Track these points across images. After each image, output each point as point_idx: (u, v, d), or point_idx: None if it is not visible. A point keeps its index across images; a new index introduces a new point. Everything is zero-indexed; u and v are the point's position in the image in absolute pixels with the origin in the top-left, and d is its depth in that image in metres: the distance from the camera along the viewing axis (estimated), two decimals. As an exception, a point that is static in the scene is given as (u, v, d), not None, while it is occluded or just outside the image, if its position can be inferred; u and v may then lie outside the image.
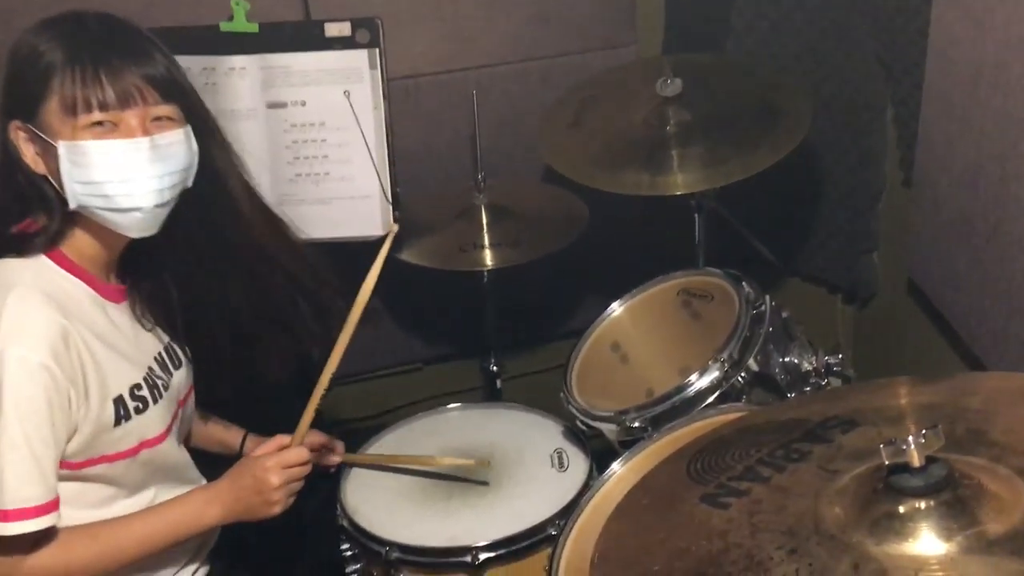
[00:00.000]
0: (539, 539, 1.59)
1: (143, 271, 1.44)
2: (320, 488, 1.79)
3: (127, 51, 1.29)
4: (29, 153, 1.29)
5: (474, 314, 2.18)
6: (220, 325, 1.50)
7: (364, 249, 1.93)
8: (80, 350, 1.28)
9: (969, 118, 1.74)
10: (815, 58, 2.22)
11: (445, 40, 2.15)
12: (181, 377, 1.50)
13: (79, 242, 1.34)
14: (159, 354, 1.47)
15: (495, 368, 2.18)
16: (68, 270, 1.33)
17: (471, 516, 1.65)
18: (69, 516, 1.32)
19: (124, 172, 1.28)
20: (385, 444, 1.86)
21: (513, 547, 1.58)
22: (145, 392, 1.39)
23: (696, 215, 2.02)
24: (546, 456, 1.76)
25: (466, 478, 1.73)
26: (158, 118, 1.31)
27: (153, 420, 1.40)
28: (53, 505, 1.26)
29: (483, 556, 1.56)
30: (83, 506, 1.35)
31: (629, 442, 1.60)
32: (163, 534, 1.39)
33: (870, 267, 2.37)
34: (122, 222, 1.31)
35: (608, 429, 1.66)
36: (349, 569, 1.68)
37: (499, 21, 2.16)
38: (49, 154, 1.28)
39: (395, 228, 1.73)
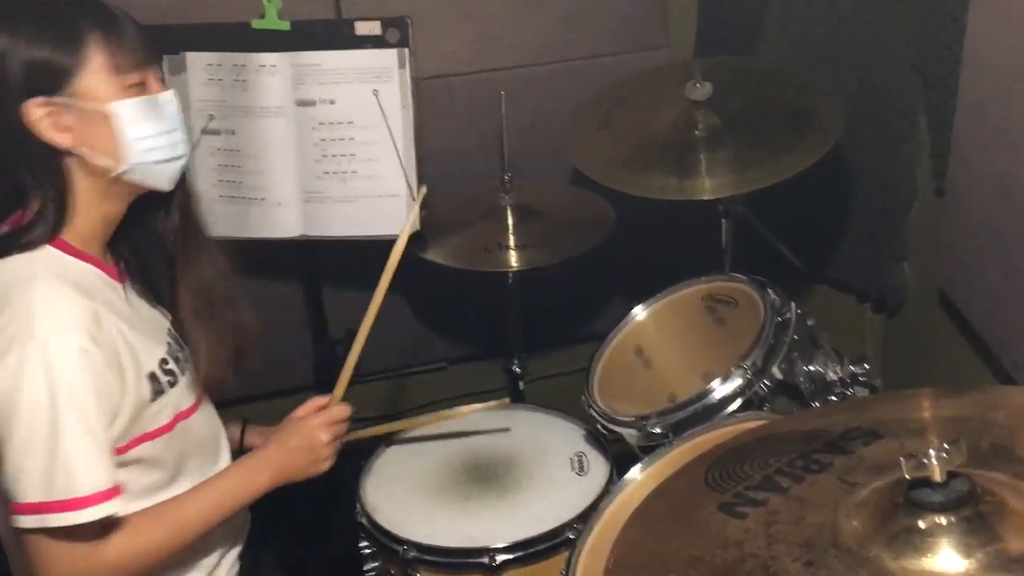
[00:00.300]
0: (557, 542, 1.59)
1: (126, 250, 1.44)
2: (341, 484, 1.80)
3: (127, 16, 1.33)
4: (50, 126, 1.28)
5: (498, 315, 2.18)
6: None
7: (389, 247, 1.94)
8: (111, 331, 1.29)
9: (1004, 127, 1.71)
10: (848, 63, 2.20)
11: (475, 40, 2.15)
12: None
13: (79, 225, 1.33)
14: (169, 329, 1.46)
15: (518, 369, 2.17)
16: (74, 255, 1.33)
17: (489, 517, 1.65)
18: None
19: (172, 123, 1.35)
20: (406, 442, 1.86)
21: (531, 550, 1.58)
22: (172, 365, 1.40)
23: (723, 220, 2.01)
24: (566, 459, 1.76)
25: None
26: (159, 78, 1.37)
27: (184, 392, 1.41)
28: (119, 488, 1.27)
29: (500, 558, 1.57)
30: (128, 498, 1.34)
31: (650, 447, 1.60)
32: (222, 504, 1.41)
33: (900, 276, 2.34)
34: (166, 173, 1.36)
35: (629, 434, 1.65)
36: (367, 567, 1.69)
37: (530, 22, 2.16)
38: (92, 120, 1.29)
39: (424, 190, 1.78)
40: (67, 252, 1.32)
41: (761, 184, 1.80)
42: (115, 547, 1.28)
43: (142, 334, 1.36)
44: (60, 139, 1.28)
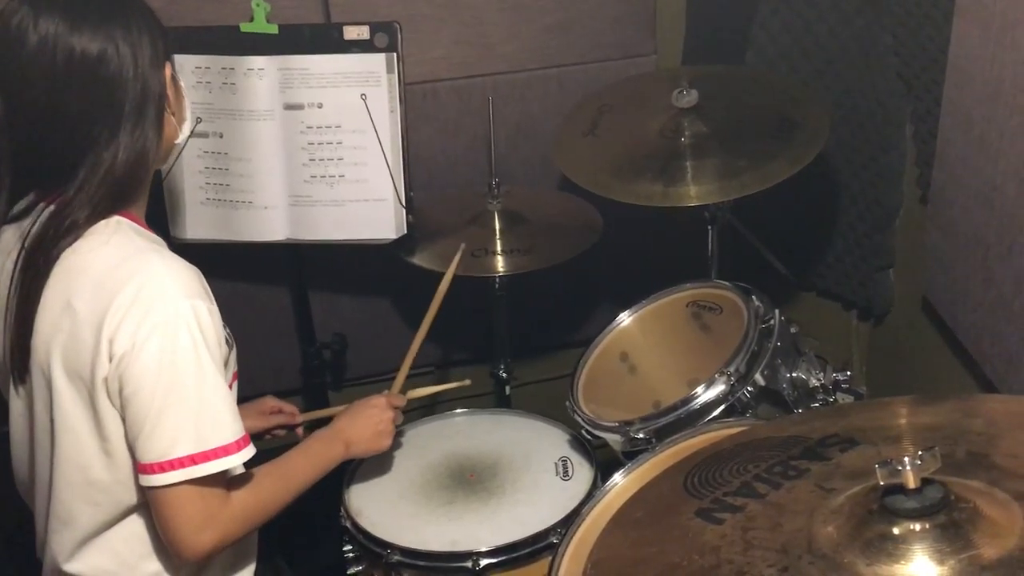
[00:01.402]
0: (540, 547, 1.59)
1: None
2: (325, 488, 1.80)
3: None
4: (169, 87, 1.36)
5: (485, 320, 2.18)
6: None
7: (376, 252, 1.95)
8: (210, 292, 1.34)
9: (986, 137, 1.72)
10: (835, 72, 2.21)
11: (464, 45, 2.16)
12: None
13: (141, 201, 1.38)
14: None
15: (504, 374, 2.18)
16: (145, 228, 1.37)
17: (473, 521, 1.65)
18: None
19: None
20: (393, 446, 1.86)
21: (514, 554, 1.59)
22: (228, 331, 1.44)
23: (710, 227, 2.02)
24: (551, 464, 1.76)
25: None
26: None
27: (234, 356, 1.46)
28: (248, 436, 1.33)
29: (484, 562, 1.57)
30: None
31: (634, 453, 1.60)
32: (314, 468, 1.49)
33: (886, 284, 2.35)
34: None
35: (613, 439, 1.66)
36: (351, 570, 1.69)
37: (519, 28, 2.17)
38: (178, 91, 1.39)
39: (463, 247, 1.86)
40: (139, 224, 1.36)
41: (747, 191, 1.81)
42: (240, 497, 1.34)
43: None
44: (174, 101, 1.37)
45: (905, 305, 2.30)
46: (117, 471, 1.33)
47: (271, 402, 1.77)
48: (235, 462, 1.29)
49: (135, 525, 1.38)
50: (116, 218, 1.32)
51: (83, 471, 1.33)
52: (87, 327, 1.27)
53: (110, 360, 1.26)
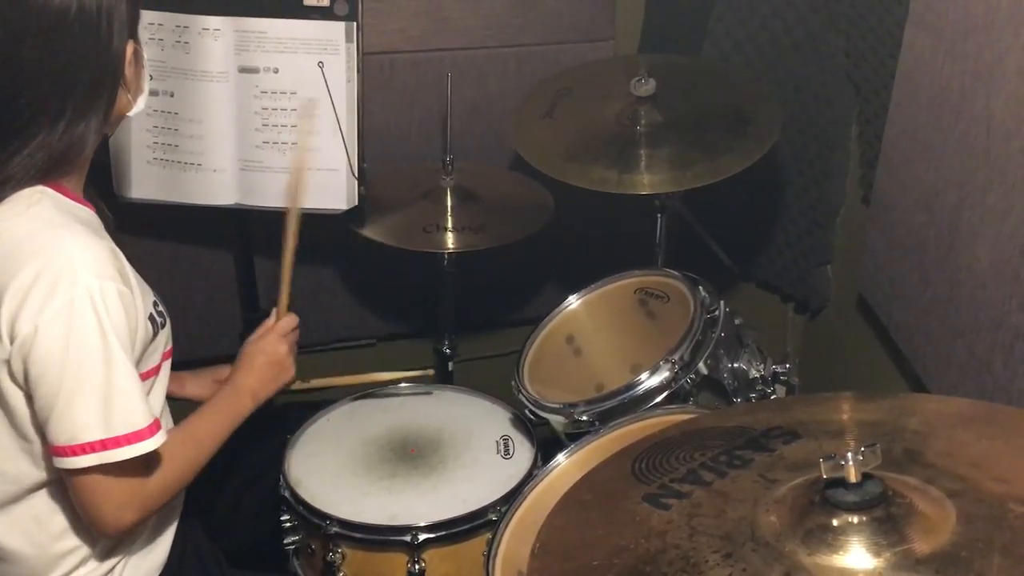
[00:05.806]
0: (479, 524, 1.61)
1: None
2: (263, 456, 1.79)
3: None
4: (129, 66, 1.33)
5: (431, 295, 2.18)
6: None
7: (326, 222, 1.93)
8: (127, 272, 1.31)
9: (930, 143, 1.77)
10: (787, 69, 2.25)
11: (424, 19, 2.14)
12: None
13: (77, 170, 1.34)
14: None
15: (448, 350, 2.18)
16: (73, 199, 1.33)
17: (413, 496, 1.66)
18: None
19: None
20: (333, 418, 1.86)
21: (453, 530, 1.60)
22: (162, 307, 1.42)
23: (659, 216, 2.04)
24: (492, 442, 1.78)
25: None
26: None
27: (167, 333, 1.44)
28: (158, 421, 1.32)
29: (423, 536, 1.58)
30: None
31: (576, 435, 1.62)
32: (225, 426, 1.48)
33: (824, 279, 2.42)
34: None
35: (556, 420, 1.68)
36: (288, 540, 1.68)
37: (480, 4, 2.16)
38: (139, 65, 1.36)
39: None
40: (66, 195, 1.32)
41: (699, 183, 1.84)
42: (159, 473, 1.34)
43: (137, 276, 1.37)
44: (131, 79, 1.34)
45: (841, 301, 2.36)
46: (21, 441, 1.30)
47: (227, 372, 1.73)
48: (148, 447, 1.28)
49: (44, 504, 1.35)
50: (40, 188, 1.28)
51: None
52: None
53: (11, 341, 1.23)
